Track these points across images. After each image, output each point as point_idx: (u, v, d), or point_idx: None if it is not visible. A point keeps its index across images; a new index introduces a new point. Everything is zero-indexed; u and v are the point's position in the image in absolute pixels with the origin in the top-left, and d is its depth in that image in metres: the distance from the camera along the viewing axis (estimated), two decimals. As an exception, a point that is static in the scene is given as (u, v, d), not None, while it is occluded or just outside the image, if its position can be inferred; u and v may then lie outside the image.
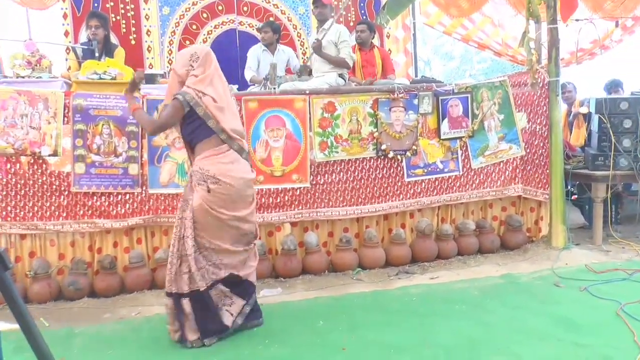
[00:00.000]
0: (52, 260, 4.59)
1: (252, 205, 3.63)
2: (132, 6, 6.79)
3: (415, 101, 5.17)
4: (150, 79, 5.19)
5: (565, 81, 6.51)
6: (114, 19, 6.65)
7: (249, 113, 4.83)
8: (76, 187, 4.54)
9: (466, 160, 5.35)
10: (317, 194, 5.00)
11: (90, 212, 4.59)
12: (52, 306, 4.34)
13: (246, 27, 7.14)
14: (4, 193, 4.47)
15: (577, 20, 5.88)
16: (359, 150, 5.08)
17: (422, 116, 5.21)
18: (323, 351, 3.32)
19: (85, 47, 5.49)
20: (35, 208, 4.51)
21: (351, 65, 5.64)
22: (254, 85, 5.77)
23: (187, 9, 6.96)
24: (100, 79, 4.72)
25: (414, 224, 5.31)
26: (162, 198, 4.67)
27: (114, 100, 4.55)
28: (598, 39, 6.55)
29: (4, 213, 4.46)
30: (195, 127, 3.46)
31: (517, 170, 5.48)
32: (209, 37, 7.06)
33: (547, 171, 5.44)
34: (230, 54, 6.94)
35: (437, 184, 5.28)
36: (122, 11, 6.76)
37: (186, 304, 3.41)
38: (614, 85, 6.73)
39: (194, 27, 7.00)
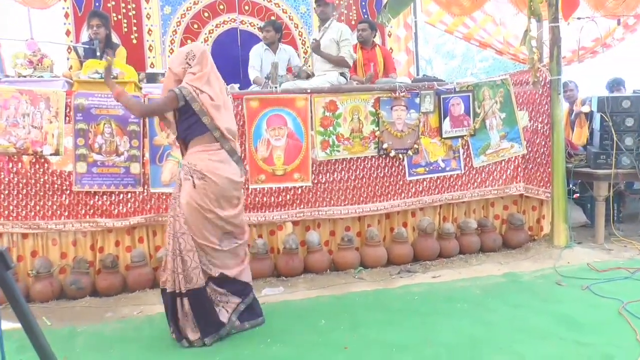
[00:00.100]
0: (54, 260, 4.59)
1: (238, 208, 3.62)
2: (134, 5, 6.80)
3: (417, 100, 5.17)
4: (152, 78, 5.20)
5: (567, 80, 6.51)
6: (115, 18, 6.66)
7: (250, 112, 4.83)
8: (78, 186, 4.55)
9: (468, 159, 5.34)
10: (318, 192, 5.00)
11: (92, 211, 4.59)
12: (55, 305, 4.34)
13: (247, 26, 7.13)
14: (6, 192, 4.47)
15: (578, 18, 5.87)
16: (361, 149, 5.08)
17: (423, 115, 5.20)
18: (325, 350, 3.31)
19: (87, 46, 5.49)
20: (37, 207, 4.52)
21: (351, 64, 5.64)
22: (255, 85, 5.76)
23: (189, 8, 6.96)
24: (102, 78, 4.71)
25: (415, 223, 5.31)
26: (164, 197, 4.67)
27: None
28: (600, 37, 6.54)
29: (6, 212, 4.46)
30: (190, 123, 3.47)
31: (519, 169, 5.48)
32: (210, 37, 7.06)
33: (549, 170, 5.43)
34: (232, 53, 6.94)
35: (438, 182, 5.28)
36: (124, 10, 6.76)
37: (185, 302, 3.41)
38: (616, 84, 6.72)
39: (195, 26, 7.00)
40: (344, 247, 4.98)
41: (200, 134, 3.47)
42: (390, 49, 7.42)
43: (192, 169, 3.41)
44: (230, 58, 6.90)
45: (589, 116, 6.20)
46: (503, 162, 5.44)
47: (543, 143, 5.50)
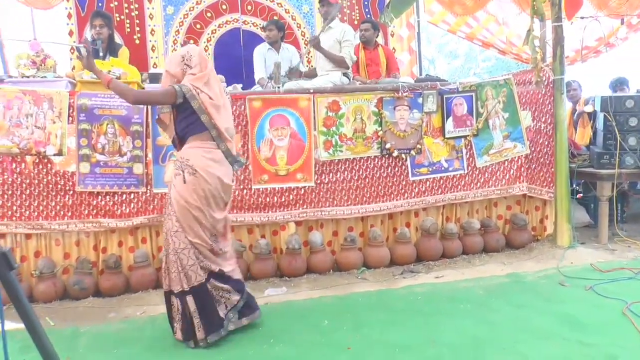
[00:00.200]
0: (57, 260, 4.60)
1: (223, 213, 3.58)
2: (136, 5, 6.81)
3: (420, 100, 5.16)
4: (155, 78, 5.20)
5: (570, 79, 6.49)
6: (118, 19, 6.67)
7: (253, 112, 4.83)
8: (81, 186, 4.55)
9: (471, 158, 5.34)
10: (321, 193, 4.99)
11: (95, 211, 4.60)
12: (58, 305, 4.35)
13: (250, 26, 7.14)
14: (10, 192, 4.48)
15: (582, 18, 5.85)
16: (364, 149, 5.07)
17: (426, 115, 5.20)
18: (328, 350, 3.31)
19: (91, 46, 5.49)
20: (41, 207, 4.53)
21: (350, 65, 5.64)
22: (258, 86, 5.76)
23: (191, 8, 6.97)
24: (104, 78, 4.72)
25: (418, 223, 5.31)
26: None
27: (119, 100, 4.54)
28: (603, 36, 6.52)
29: (10, 213, 4.47)
30: (189, 122, 3.47)
31: (522, 169, 5.47)
32: (213, 37, 7.06)
33: (552, 170, 5.42)
34: (234, 53, 6.95)
35: (441, 182, 5.27)
36: (127, 11, 6.78)
37: (189, 301, 3.40)
38: (619, 83, 6.70)
39: (198, 26, 7.00)
40: (347, 247, 4.98)
41: (199, 132, 3.46)
42: (393, 48, 7.42)
43: (184, 164, 3.39)
44: (233, 58, 6.92)
45: (592, 116, 6.19)
46: (506, 162, 5.43)
47: (546, 143, 5.49)
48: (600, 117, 5.60)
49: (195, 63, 3.49)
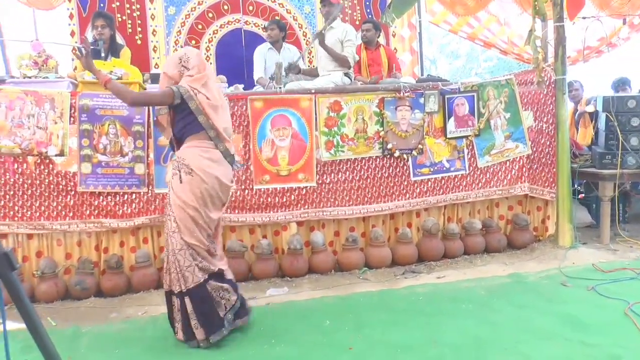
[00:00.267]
0: (59, 260, 4.60)
1: (219, 213, 3.57)
2: (138, 6, 6.82)
3: (422, 100, 5.16)
4: (156, 79, 5.19)
5: (572, 79, 6.48)
6: (119, 19, 6.68)
7: (254, 112, 4.83)
8: (83, 187, 4.56)
9: (472, 159, 5.33)
10: (323, 193, 4.99)
11: (96, 211, 4.60)
12: (59, 305, 4.35)
13: (252, 26, 7.15)
14: (11, 193, 4.48)
15: (584, 18, 5.84)
16: (365, 150, 5.07)
17: (428, 115, 5.20)
18: (329, 351, 3.31)
19: (91, 47, 5.49)
20: (42, 208, 4.53)
21: (352, 65, 5.64)
22: (259, 86, 5.77)
23: (193, 9, 6.97)
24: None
25: (420, 223, 5.30)
26: (168, 198, 4.68)
27: (120, 100, 4.55)
28: (605, 36, 6.52)
29: (12, 213, 4.48)
30: (186, 122, 3.46)
31: (524, 169, 5.46)
32: (215, 37, 7.07)
33: (554, 170, 5.42)
34: (236, 54, 6.96)
35: (443, 183, 5.27)
36: (128, 11, 6.78)
37: (187, 302, 3.40)
38: (621, 83, 6.69)
39: (200, 26, 7.01)
40: (349, 247, 4.98)
41: (196, 132, 3.46)
42: (395, 49, 7.42)
43: (181, 163, 3.38)
44: (235, 58, 6.93)
45: (593, 116, 6.18)
46: (508, 163, 5.43)
47: (548, 143, 5.48)
48: (602, 117, 5.58)
49: (192, 65, 3.49)
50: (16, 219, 4.49)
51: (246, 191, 4.84)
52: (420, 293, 4.31)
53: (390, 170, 5.15)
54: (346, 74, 5.48)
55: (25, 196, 4.51)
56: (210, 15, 7.02)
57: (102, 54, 5.26)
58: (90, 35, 6.08)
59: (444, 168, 5.26)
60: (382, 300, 4.19)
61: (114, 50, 5.49)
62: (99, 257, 4.70)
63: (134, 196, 4.66)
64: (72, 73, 5.29)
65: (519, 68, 7.55)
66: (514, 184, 5.44)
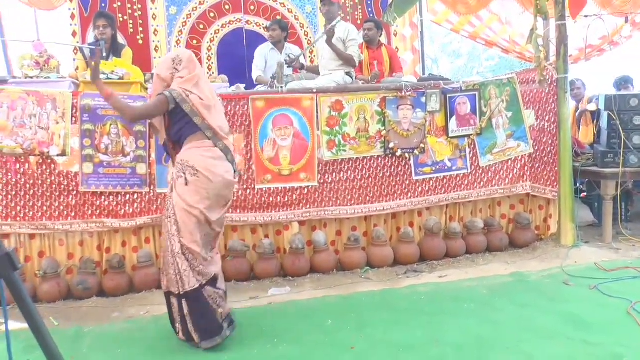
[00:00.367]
0: (61, 260, 4.60)
1: (224, 209, 3.57)
2: (140, 6, 6.82)
3: (423, 99, 5.16)
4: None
5: (574, 78, 6.47)
6: (121, 19, 6.68)
7: (256, 112, 4.83)
8: (84, 187, 4.56)
9: (474, 158, 5.33)
10: (325, 192, 4.99)
11: (98, 211, 4.60)
12: (62, 305, 4.35)
13: (253, 26, 7.14)
14: (13, 193, 4.49)
15: (586, 16, 5.83)
16: (367, 149, 5.07)
17: (430, 114, 5.19)
18: (332, 350, 3.31)
19: (93, 47, 5.51)
20: (44, 208, 4.54)
21: (357, 64, 5.64)
22: (260, 85, 5.77)
23: (194, 9, 6.97)
24: (108, 78, 4.74)
25: (422, 223, 5.30)
26: (170, 197, 4.68)
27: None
28: (607, 35, 6.50)
29: (14, 213, 4.48)
30: (182, 125, 3.45)
31: (526, 168, 5.46)
32: (216, 37, 7.07)
33: (556, 169, 5.41)
34: (238, 53, 6.96)
35: (445, 182, 5.26)
36: (130, 11, 6.79)
37: (184, 304, 3.38)
38: (623, 82, 6.69)
39: (201, 26, 7.01)
40: (351, 247, 4.98)
41: (193, 132, 3.44)
42: (396, 48, 7.41)
43: (185, 165, 3.36)
44: (236, 58, 6.93)
45: (595, 115, 6.17)
46: (509, 161, 5.42)
47: (550, 142, 5.47)
48: (605, 115, 5.58)
49: (183, 66, 3.48)
50: (18, 219, 4.49)
51: (248, 191, 4.84)
52: (422, 292, 4.31)
53: (392, 170, 5.14)
54: (347, 73, 5.48)
55: (27, 196, 4.51)
56: (212, 14, 7.02)
57: (104, 54, 5.27)
58: (91, 35, 6.10)
59: (446, 167, 5.25)
60: (384, 299, 4.19)
61: (115, 50, 5.50)
62: (101, 257, 4.70)
63: (135, 196, 4.66)
64: (73, 73, 5.30)
65: (520, 67, 7.55)
66: (516, 183, 5.43)
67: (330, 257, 4.93)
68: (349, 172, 5.05)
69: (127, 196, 4.65)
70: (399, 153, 5.09)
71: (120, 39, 6.18)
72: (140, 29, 6.85)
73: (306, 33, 7.28)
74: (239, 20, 7.10)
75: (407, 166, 5.16)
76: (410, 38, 7.67)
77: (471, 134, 5.28)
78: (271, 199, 4.88)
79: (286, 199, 4.91)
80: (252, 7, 7.11)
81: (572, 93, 6.08)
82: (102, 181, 4.58)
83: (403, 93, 5.07)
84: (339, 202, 5.02)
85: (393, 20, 5.92)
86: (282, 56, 6.03)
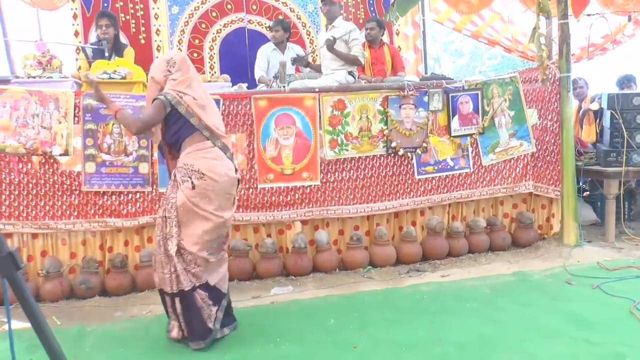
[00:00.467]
0: (63, 259, 4.61)
1: (234, 207, 3.58)
2: (142, 6, 6.81)
3: (425, 98, 5.15)
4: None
5: (576, 77, 6.46)
6: (123, 19, 6.68)
7: (258, 111, 4.83)
8: (87, 186, 4.57)
9: (477, 157, 5.32)
10: (327, 191, 4.99)
11: (101, 211, 4.61)
12: (64, 305, 4.36)
13: (255, 25, 7.14)
14: (16, 193, 4.50)
15: (588, 15, 5.83)
16: (369, 148, 5.07)
17: (432, 113, 5.19)
18: (334, 349, 3.31)
19: (95, 46, 5.52)
20: (47, 207, 4.54)
21: (363, 62, 5.64)
22: (262, 84, 5.77)
23: (197, 8, 6.97)
24: (110, 78, 4.75)
25: (424, 222, 5.29)
26: (173, 197, 4.68)
27: (124, 100, 4.57)
28: (610, 33, 6.49)
29: (16, 212, 4.49)
30: (178, 127, 3.44)
31: (528, 167, 5.45)
32: (218, 36, 7.06)
33: (559, 168, 5.40)
34: (240, 53, 6.95)
35: (447, 181, 5.26)
36: (132, 11, 6.79)
37: (177, 302, 3.37)
38: (626, 81, 6.68)
39: (203, 26, 7.01)
40: (353, 246, 4.98)
41: (190, 133, 3.43)
42: (399, 47, 7.41)
43: (190, 170, 3.35)
44: (238, 57, 6.92)
45: (598, 114, 6.16)
46: (512, 161, 5.41)
47: (552, 141, 5.47)
48: (607, 114, 5.57)
49: (177, 68, 3.48)
50: (21, 218, 4.50)
51: (250, 190, 4.84)
52: (424, 292, 4.31)
53: (395, 169, 5.14)
54: (350, 73, 5.47)
55: (30, 196, 4.52)
56: (214, 14, 7.02)
57: (106, 54, 5.28)
58: (94, 35, 6.10)
59: (448, 166, 5.25)
60: (386, 298, 4.19)
61: (117, 49, 5.51)
62: (103, 257, 4.71)
63: (138, 195, 4.67)
64: (76, 73, 5.31)
65: (523, 66, 7.55)
66: (519, 182, 5.43)
67: (332, 256, 4.93)
68: (352, 171, 5.05)
69: (130, 195, 4.65)
70: (401, 152, 5.09)
71: (123, 39, 6.18)
72: (143, 28, 6.85)
73: (308, 32, 7.27)
74: (241, 20, 7.10)
75: (409, 165, 5.16)
76: (412, 37, 7.66)
77: (474, 133, 5.28)
78: (273, 198, 4.88)
79: (289, 198, 4.91)
80: (254, 7, 7.10)
81: (574, 92, 6.07)
82: (105, 180, 4.59)
83: (405, 92, 5.07)
84: (342, 202, 5.02)
85: (395, 19, 5.93)
86: (289, 55, 6.02)
